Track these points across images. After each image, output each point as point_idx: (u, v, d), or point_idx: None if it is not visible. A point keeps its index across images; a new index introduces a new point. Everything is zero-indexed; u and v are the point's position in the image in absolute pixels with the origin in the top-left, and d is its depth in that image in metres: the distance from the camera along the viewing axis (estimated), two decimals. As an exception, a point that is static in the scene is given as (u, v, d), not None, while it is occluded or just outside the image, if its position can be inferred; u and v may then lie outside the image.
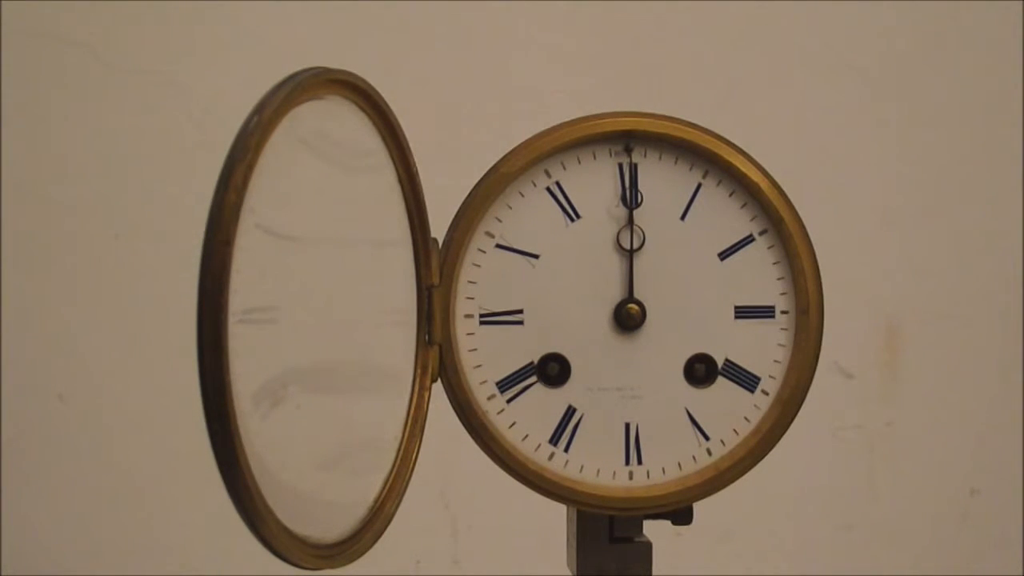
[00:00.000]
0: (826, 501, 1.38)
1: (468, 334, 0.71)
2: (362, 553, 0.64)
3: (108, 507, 1.33)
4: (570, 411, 0.71)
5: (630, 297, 0.71)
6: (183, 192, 1.28)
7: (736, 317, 0.71)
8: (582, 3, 1.35)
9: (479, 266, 0.71)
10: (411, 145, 0.69)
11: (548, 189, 0.71)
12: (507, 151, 0.71)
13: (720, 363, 0.71)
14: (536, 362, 0.71)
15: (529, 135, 0.71)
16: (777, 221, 0.71)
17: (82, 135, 1.32)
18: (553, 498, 0.71)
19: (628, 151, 0.71)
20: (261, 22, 1.33)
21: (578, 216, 0.71)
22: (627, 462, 0.71)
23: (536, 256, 0.71)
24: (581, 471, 0.71)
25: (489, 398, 0.71)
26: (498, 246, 0.71)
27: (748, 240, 0.71)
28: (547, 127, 0.71)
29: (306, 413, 0.62)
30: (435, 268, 0.70)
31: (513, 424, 0.71)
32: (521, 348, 0.71)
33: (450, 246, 0.70)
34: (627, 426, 0.71)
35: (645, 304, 0.71)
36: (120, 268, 1.33)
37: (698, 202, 0.71)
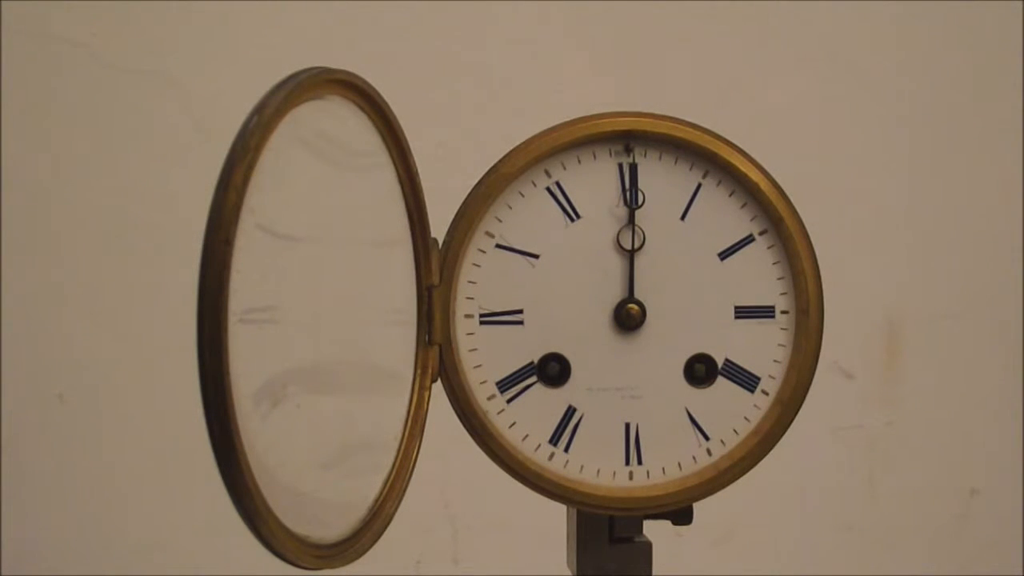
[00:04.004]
0: (826, 501, 1.38)
1: (468, 334, 0.71)
2: (362, 553, 0.64)
3: (108, 507, 1.33)
4: (570, 411, 0.71)
5: (630, 297, 0.71)
6: (183, 192, 1.28)
7: (736, 317, 0.71)
8: (582, 3, 1.35)
9: (479, 266, 0.71)
10: (411, 145, 0.69)
11: (548, 189, 0.71)
12: (507, 151, 0.71)
13: (720, 363, 0.71)
14: (536, 362, 0.71)
15: (529, 135, 0.71)
16: (777, 221, 0.71)
17: (82, 135, 1.32)
18: (553, 498, 0.71)
19: (628, 151, 0.71)
20: (261, 22, 1.33)
21: (578, 216, 0.71)
22: (627, 462, 0.71)
23: (536, 256, 0.71)
24: (581, 471, 0.71)
25: (489, 398, 0.71)
26: (498, 246, 0.71)
27: (748, 240, 0.71)
28: (547, 127, 0.71)
29: (306, 413, 0.62)
30: (435, 268, 0.70)
31: (513, 424, 0.71)
32: (521, 348, 0.71)
33: (450, 246, 0.70)
34: (627, 426, 0.71)
35: (645, 304, 0.71)
36: (120, 268, 1.33)
37: (698, 202, 0.71)
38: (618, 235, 0.71)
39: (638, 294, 0.71)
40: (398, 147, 0.68)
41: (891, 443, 1.38)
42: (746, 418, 0.72)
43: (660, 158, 0.71)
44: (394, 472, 0.68)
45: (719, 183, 0.71)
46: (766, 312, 0.71)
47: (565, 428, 0.71)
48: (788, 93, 1.36)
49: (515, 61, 1.35)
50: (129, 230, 1.33)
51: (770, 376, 0.71)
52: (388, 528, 0.67)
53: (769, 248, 0.71)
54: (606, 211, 0.71)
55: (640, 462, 0.71)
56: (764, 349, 0.71)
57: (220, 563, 1.30)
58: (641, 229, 0.71)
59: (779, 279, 0.71)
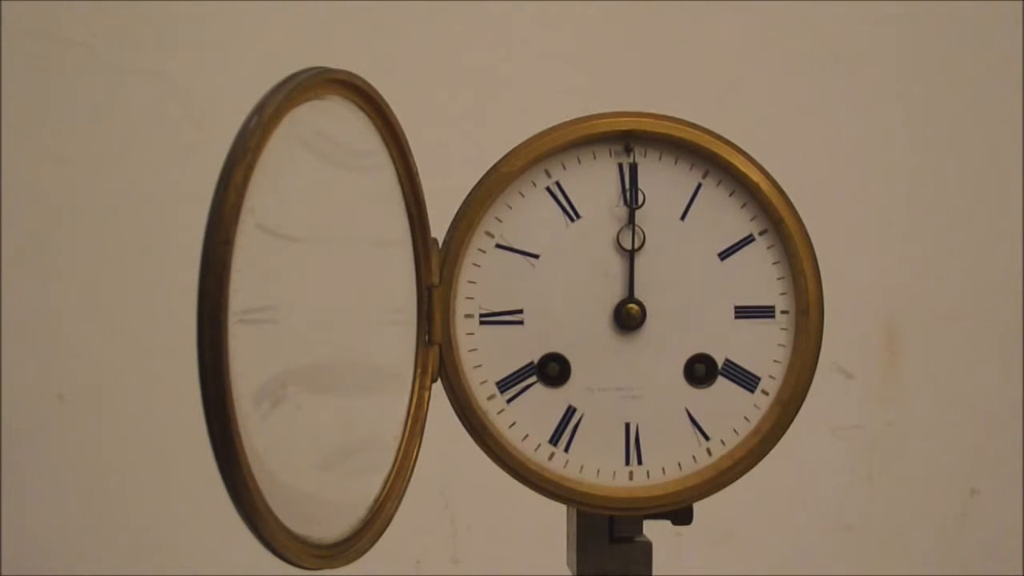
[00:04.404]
0: (826, 501, 1.38)
1: (468, 334, 0.71)
2: (362, 553, 0.64)
3: (108, 507, 1.33)
4: (570, 411, 0.71)
5: (630, 297, 0.71)
6: (183, 192, 1.28)
7: (736, 317, 0.71)
8: (582, 3, 1.35)
9: (479, 266, 0.71)
10: (411, 145, 0.69)
11: (548, 189, 0.71)
12: (507, 151, 0.71)
13: (720, 363, 0.71)
14: (536, 362, 0.71)
15: (529, 135, 0.71)
16: (777, 221, 0.71)
17: (82, 135, 1.32)
18: (553, 498, 0.71)
19: (628, 151, 0.71)
20: (261, 22, 1.33)
21: (578, 216, 0.71)
22: (627, 462, 0.71)
23: (536, 256, 0.71)
24: (581, 471, 0.71)
25: (489, 398, 0.71)
26: (498, 246, 0.71)
27: (748, 240, 0.71)
28: (547, 127, 0.71)
29: (306, 413, 0.62)
30: (435, 268, 0.70)
31: (513, 424, 0.71)
32: (521, 348, 0.71)
33: (450, 246, 0.70)
34: (627, 426, 0.71)
35: (645, 304, 0.71)
36: (120, 268, 1.33)
37: (698, 202, 0.71)
38: (618, 235, 0.71)
39: (638, 294, 0.71)
40: (398, 147, 0.68)
41: (891, 443, 1.38)
42: (746, 418, 0.72)
43: (660, 158, 0.71)
44: (394, 472, 0.68)
45: (719, 183, 0.71)
46: (766, 312, 0.71)
47: (565, 428, 0.71)
48: (788, 93, 1.36)
49: (515, 61, 1.35)
50: (129, 230, 1.33)
51: (770, 376, 0.71)
52: (388, 528, 0.67)
53: (769, 248, 0.71)
54: (606, 211, 0.71)
55: (640, 462, 0.71)
56: (764, 349, 0.71)
57: (220, 563, 1.30)
58: (641, 229, 0.71)
59: (779, 279, 0.71)
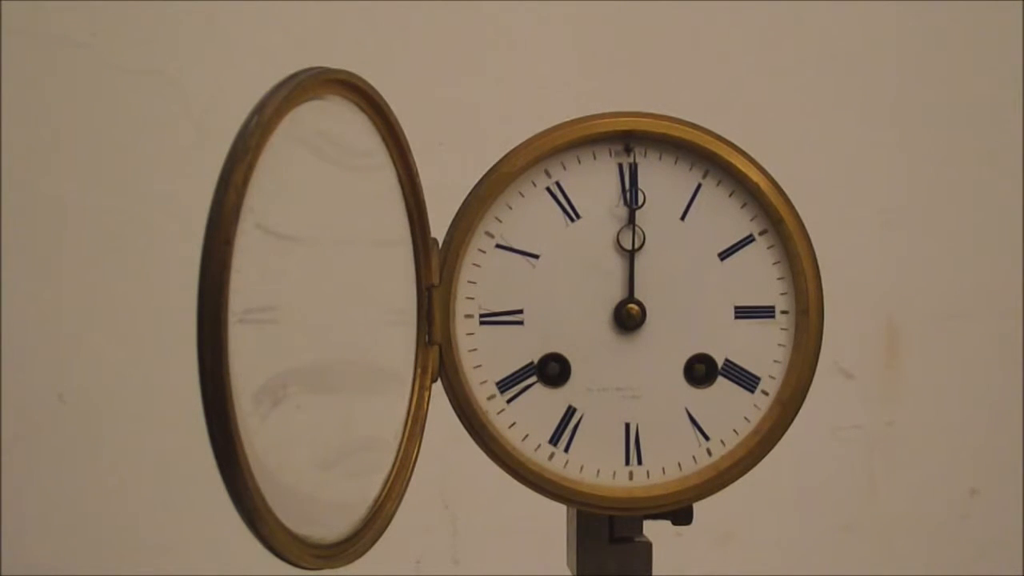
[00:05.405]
0: (826, 501, 1.38)
1: (468, 334, 0.71)
2: (362, 553, 0.64)
3: (108, 507, 1.33)
4: (570, 411, 0.71)
5: (630, 297, 0.71)
6: (183, 192, 1.28)
7: (736, 317, 0.71)
8: (582, 3, 1.35)
9: (479, 266, 0.71)
10: (411, 145, 0.69)
11: (548, 189, 0.71)
12: (507, 151, 0.71)
13: (720, 363, 0.71)
14: (536, 362, 0.71)
15: (529, 135, 0.71)
16: (777, 221, 0.71)
17: (82, 135, 1.32)
18: (553, 498, 0.71)
19: (628, 151, 0.71)
20: (261, 22, 1.33)
21: (578, 216, 0.71)
22: (627, 462, 0.71)
23: (536, 256, 0.71)
24: (581, 471, 0.71)
25: (489, 398, 0.71)
26: (498, 246, 0.71)
27: (748, 240, 0.71)
28: (547, 127, 0.71)
29: (306, 413, 0.62)
30: (435, 268, 0.70)
31: (513, 424, 0.71)
32: (521, 348, 0.71)
33: (450, 246, 0.70)
34: (627, 426, 0.71)
35: (645, 304, 0.71)
36: (120, 268, 1.33)
37: (698, 202, 0.71)
38: (618, 235, 0.71)
39: (638, 294, 0.71)
40: (398, 147, 0.68)
41: (891, 443, 1.38)
42: (746, 418, 0.72)
43: (660, 158, 0.71)
44: (394, 472, 0.68)
45: (719, 183, 0.71)
46: (766, 312, 0.71)
47: (565, 428, 0.71)
48: (788, 93, 1.36)
49: (515, 61, 1.35)
50: (129, 230, 1.33)
51: (770, 376, 0.71)
52: (388, 528, 0.67)
53: (769, 248, 0.71)
54: (606, 211, 0.71)
55: (640, 462, 0.71)
56: (764, 349, 0.71)
57: (220, 563, 1.30)
58: (641, 229, 0.71)
59: (779, 279, 0.71)
